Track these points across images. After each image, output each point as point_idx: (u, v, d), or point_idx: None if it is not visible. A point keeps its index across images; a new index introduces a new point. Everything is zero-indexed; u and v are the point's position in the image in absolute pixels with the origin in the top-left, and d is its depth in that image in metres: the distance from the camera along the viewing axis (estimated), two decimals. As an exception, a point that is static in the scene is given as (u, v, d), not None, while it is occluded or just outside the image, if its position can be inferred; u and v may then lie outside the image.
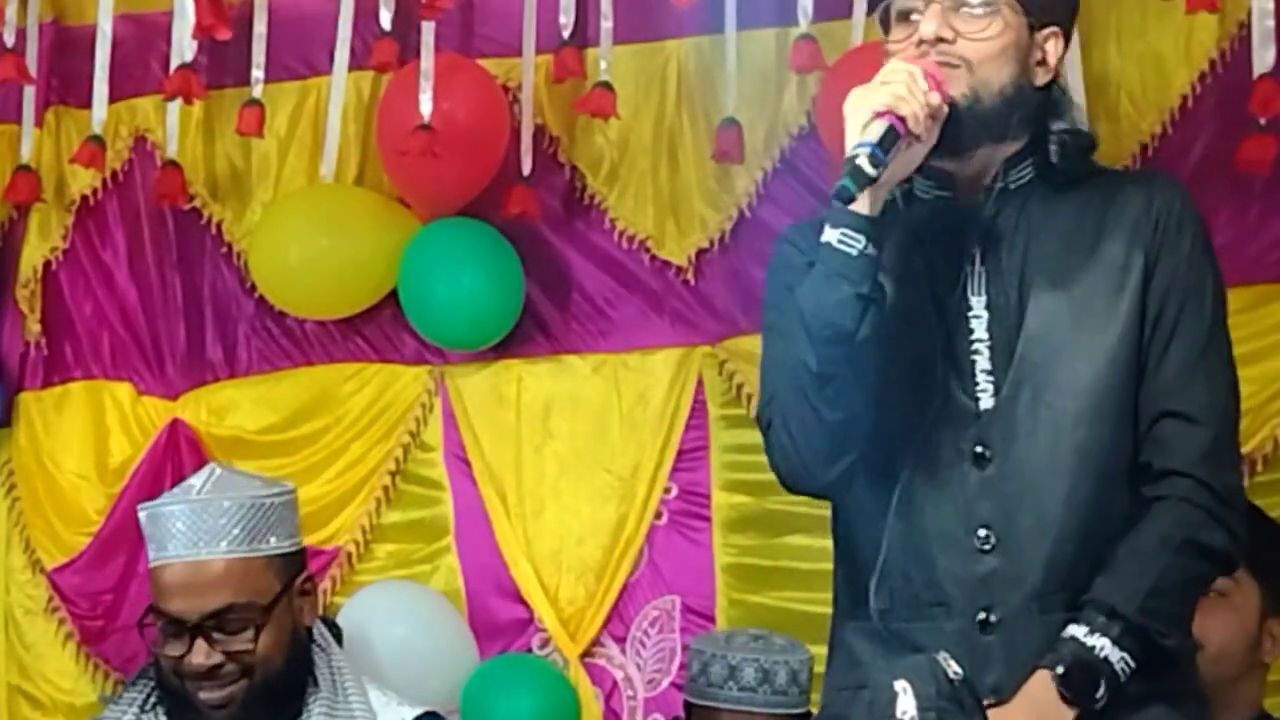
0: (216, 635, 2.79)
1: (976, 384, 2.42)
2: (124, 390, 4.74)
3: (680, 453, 4.39)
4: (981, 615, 2.37)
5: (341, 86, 4.49)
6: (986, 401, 2.41)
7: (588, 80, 4.31)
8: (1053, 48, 2.49)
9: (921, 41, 2.42)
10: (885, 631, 2.43)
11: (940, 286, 2.46)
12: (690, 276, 4.42)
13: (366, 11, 4.37)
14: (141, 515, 2.94)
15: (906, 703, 2.34)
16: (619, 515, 4.40)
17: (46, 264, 4.81)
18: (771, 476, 4.27)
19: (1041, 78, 2.49)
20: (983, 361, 2.42)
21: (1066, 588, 2.37)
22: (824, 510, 4.28)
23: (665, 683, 4.38)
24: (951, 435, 2.41)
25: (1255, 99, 3.88)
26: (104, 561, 4.62)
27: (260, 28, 4.45)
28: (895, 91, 2.33)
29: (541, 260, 4.51)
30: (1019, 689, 2.35)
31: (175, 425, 4.65)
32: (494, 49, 4.50)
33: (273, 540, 2.88)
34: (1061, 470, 2.37)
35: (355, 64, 4.47)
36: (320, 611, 3.17)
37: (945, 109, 2.38)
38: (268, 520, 2.88)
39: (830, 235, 2.35)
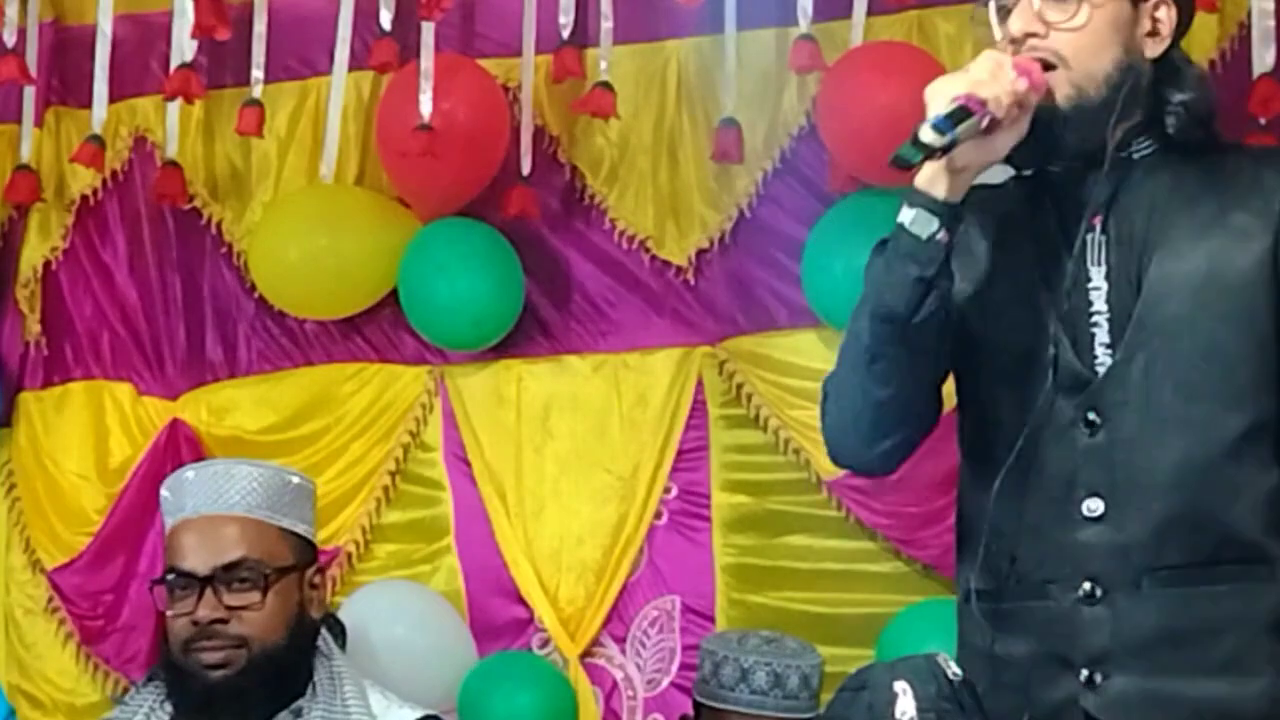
0: (225, 591, 2.78)
1: (1095, 356, 2.34)
2: (124, 390, 4.74)
3: (680, 453, 4.39)
4: (1087, 587, 2.30)
5: (341, 86, 4.49)
6: (1101, 369, 2.34)
7: (588, 80, 4.31)
8: (1165, 15, 2.38)
9: (1013, 40, 2.35)
10: (993, 613, 2.35)
11: (1052, 258, 2.37)
12: (690, 276, 4.42)
13: (366, 11, 4.37)
14: (164, 490, 2.93)
15: (906, 703, 2.33)
16: (619, 515, 4.40)
17: (46, 264, 4.82)
18: (771, 476, 4.38)
19: (1154, 49, 2.37)
20: (1101, 334, 2.35)
21: (1177, 562, 2.29)
22: (824, 510, 4.37)
23: (665, 683, 4.38)
24: (1063, 405, 2.33)
25: (1255, 99, 3.89)
26: (104, 561, 4.62)
27: (260, 28, 4.46)
28: (975, 77, 2.27)
29: (541, 260, 4.51)
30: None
31: (175, 425, 4.65)
32: (494, 49, 4.51)
33: (287, 520, 2.86)
34: (1173, 440, 2.30)
35: (355, 64, 4.48)
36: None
37: (1034, 98, 2.29)
38: (284, 497, 2.87)
39: (905, 215, 2.28)
